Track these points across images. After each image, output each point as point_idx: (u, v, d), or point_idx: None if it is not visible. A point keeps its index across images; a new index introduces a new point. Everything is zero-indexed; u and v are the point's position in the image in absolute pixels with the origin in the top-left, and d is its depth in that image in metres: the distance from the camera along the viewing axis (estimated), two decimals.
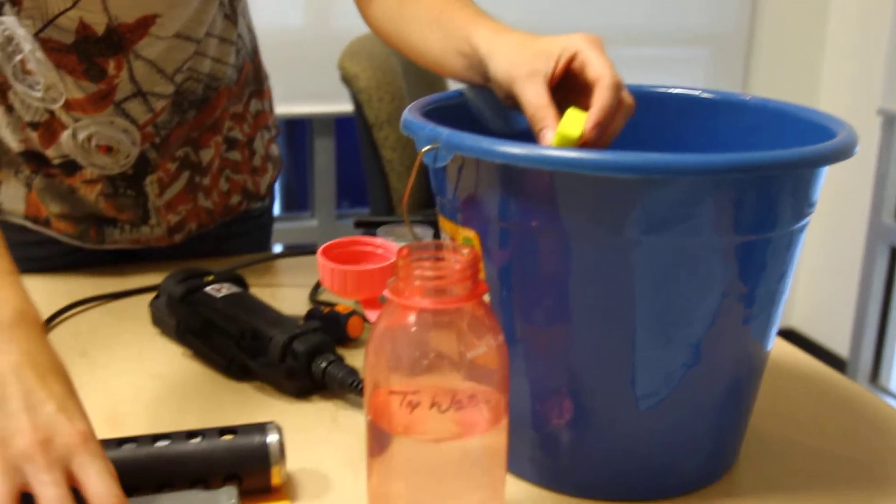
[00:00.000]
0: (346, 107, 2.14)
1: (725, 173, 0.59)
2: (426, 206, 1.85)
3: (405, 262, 0.55)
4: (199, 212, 1.14)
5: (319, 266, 0.70)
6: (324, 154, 2.65)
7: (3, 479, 0.53)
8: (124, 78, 0.99)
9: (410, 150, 1.91)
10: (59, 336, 0.96)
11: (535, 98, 0.73)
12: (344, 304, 0.97)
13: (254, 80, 1.17)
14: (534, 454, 0.70)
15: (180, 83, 1.03)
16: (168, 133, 1.06)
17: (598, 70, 0.72)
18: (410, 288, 0.55)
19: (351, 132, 2.12)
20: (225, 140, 1.13)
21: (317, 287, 1.06)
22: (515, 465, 0.70)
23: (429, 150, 0.64)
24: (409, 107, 0.73)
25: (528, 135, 0.75)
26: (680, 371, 0.65)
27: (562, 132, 0.71)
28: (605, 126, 0.72)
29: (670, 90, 0.83)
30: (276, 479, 0.67)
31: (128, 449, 0.66)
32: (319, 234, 2.88)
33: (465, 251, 0.57)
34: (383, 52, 1.96)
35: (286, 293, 1.07)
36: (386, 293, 0.56)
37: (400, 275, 0.55)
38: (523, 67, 0.74)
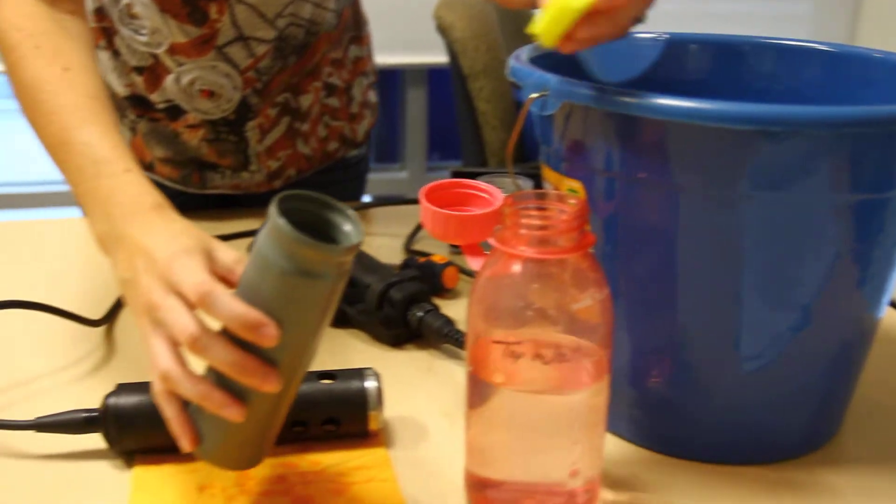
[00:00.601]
0: (439, 58, 2.12)
1: (848, 127, 0.56)
2: (520, 160, 1.83)
3: (511, 210, 0.54)
4: (297, 158, 1.15)
5: (421, 209, 0.68)
6: (416, 105, 2.64)
7: (158, 335, 0.58)
8: (226, 22, 1.00)
9: (505, 101, 1.89)
10: None
11: None
12: (440, 254, 0.96)
13: (353, 25, 1.16)
14: (632, 412, 0.69)
15: (282, 28, 1.03)
16: (269, 79, 1.06)
17: None
18: (516, 237, 0.54)
19: (443, 83, 2.11)
20: (324, 86, 1.13)
21: (412, 236, 1.06)
22: (612, 423, 0.69)
23: (537, 97, 0.63)
24: (514, 54, 0.71)
25: (631, 84, 0.72)
26: (787, 333, 0.63)
27: None
28: None
29: (784, 41, 0.80)
30: (373, 424, 0.67)
31: None
32: (409, 186, 2.88)
33: (573, 201, 0.55)
34: (479, 1, 1.93)
35: (381, 242, 1.07)
36: (491, 241, 0.56)
37: (506, 223, 0.55)
38: None
